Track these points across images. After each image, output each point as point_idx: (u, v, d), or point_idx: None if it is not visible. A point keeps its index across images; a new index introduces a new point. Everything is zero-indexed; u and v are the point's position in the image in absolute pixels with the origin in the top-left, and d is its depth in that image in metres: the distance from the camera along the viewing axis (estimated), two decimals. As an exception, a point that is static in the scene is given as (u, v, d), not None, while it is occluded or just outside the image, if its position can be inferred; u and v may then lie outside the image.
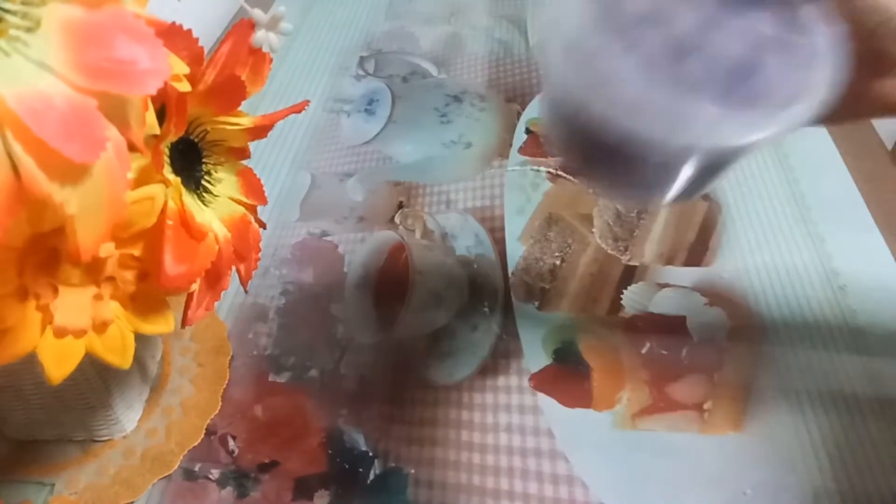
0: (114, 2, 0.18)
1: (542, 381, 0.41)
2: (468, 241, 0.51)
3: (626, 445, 0.38)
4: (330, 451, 0.41)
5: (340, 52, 0.76)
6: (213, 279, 0.30)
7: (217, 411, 0.43)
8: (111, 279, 0.26)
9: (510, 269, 0.48)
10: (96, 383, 0.38)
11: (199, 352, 0.46)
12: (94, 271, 0.25)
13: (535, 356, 0.43)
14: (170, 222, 0.26)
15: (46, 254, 0.23)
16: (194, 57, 0.26)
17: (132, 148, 0.20)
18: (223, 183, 0.32)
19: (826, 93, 0.19)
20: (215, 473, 0.41)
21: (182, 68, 0.24)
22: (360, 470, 0.39)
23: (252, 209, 0.34)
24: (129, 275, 0.26)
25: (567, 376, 0.41)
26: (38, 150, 0.16)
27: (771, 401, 0.38)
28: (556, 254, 0.48)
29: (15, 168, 0.16)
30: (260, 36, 0.30)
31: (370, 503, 0.38)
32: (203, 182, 0.31)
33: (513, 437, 0.39)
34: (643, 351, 0.41)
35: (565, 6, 0.22)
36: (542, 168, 0.55)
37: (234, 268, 0.32)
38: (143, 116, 0.20)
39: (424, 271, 0.43)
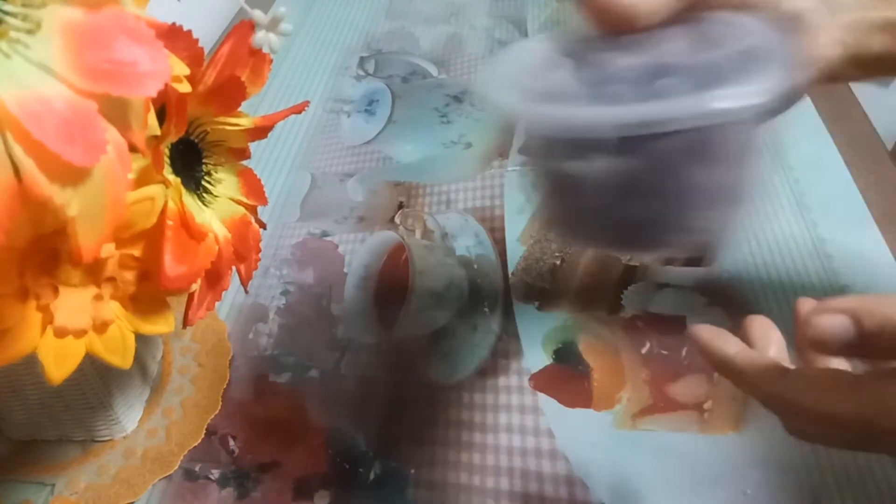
0: (114, 3, 0.18)
1: (542, 381, 0.41)
2: (468, 241, 0.51)
3: (626, 445, 0.38)
4: (330, 451, 0.41)
5: (341, 53, 0.76)
6: (214, 279, 0.30)
7: (217, 411, 0.43)
8: (111, 279, 0.26)
9: (510, 269, 0.48)
10: (96, 383, 0.38)
11: (199, 352, 0.46)
12: (94, 272, 0.25)
13: (535, 356, 0.43)
14: (170, 223, 0.26)
15: (47, 254, 0.23)
16: (194, 58, 0.26)
17: (133, 149, 0.20)
18: (223, 183, 0.32)
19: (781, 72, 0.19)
20: (215, 473, 0.41)
21: (182, 69, 0.24)
22: (360, 470, 0.39)
23: (252, 209, 0.34)
24: (130, 275, 0.27)
25: (567, 376, 0.41)
26: (39, 153, 0.16)
27: (771, 401, 0.38)
28: (556, 254, 0.48)
29: (16, 170, 0.16)
30: (260, 37, 0.30)
31: (370, 503, 0.38)
32: (203, 182, 0.31)
33: (513, 437, 0.39)
34: (643, 351, 0.41)
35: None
36: (542, 168, 0.55)
37: (234, 268, 0.32)
38: (144, 118, 0.20)
39: (424, 271, 0.43)
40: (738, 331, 0.26)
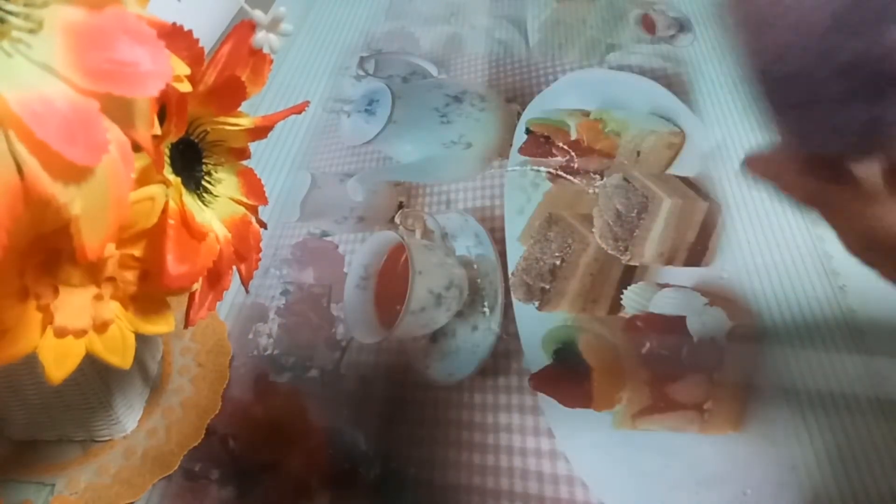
0: (115, 3, 0.18)
1: (542, 381, 0.41)
2: (468, 241, 0.51)
3: (626, 445, 0.38)
4: (330, 451, 0.41)
5: (340, 53, 0.76)
6: (215, 279, 0.30)
7: (217, 411, 0.43)
8: (112, 279, 0.26)
9: (510, 269, 0.48)
10: (96, 383, 0.38)
11: (199, 352, 0.46)
12: (94, 271, 0.25)
13: (535, 356, 0.43)
14: (171, 222, 0.26)
15: (47, 254, 0.23)
16: (195, 58, 0.26)
17: (137, 148, 0.20)
18: (223, 183, 0.32)
19: None
20: (215, 473, 0.41)
21: (183, 69, 0.24)
22: (360, 470, 0.39)
23: (253, 209, 0.34)
24: (130, 275, 0.26)
25: (567, 376, 0.41)
26: (42, 151, 0.16)
27: (771, 401, 0.38)
28: (556, 254, 0.48)
29: (19, 169, 0.16)
30: (260, 37, 0.30)
31: (370, 503, 0.38)
32: (203, 182, 0.31)
33: (513, 437, 0.39)
34: (643, 351, 0.41)
35: None
36: (542, 168, 0.55)
37: (234, 268, 0.32)
38: (151, 116, 0.20)
39: (424, 271, 0.43)
40: None
